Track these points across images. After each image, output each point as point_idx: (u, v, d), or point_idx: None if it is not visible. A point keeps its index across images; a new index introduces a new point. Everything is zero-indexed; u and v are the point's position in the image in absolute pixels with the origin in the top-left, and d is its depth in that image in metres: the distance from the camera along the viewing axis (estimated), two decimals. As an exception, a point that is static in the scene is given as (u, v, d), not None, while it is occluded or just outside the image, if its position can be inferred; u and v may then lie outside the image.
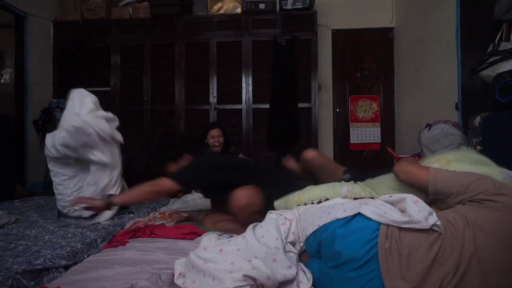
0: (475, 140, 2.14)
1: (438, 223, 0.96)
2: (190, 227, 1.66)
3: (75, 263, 1.36)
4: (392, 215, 0.99)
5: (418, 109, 3.78)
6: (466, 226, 0.95)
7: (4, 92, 4.59)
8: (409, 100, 4.10)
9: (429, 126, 2.78)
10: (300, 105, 4.01)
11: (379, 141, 4.54)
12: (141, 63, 4.26)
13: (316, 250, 1.12)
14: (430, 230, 0.96)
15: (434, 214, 0.99)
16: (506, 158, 1.61)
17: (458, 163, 1.27)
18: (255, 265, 0.99)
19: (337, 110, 4.67)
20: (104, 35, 4.30)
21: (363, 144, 4.54)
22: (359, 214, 1.03)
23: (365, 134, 4.58)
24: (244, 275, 0.95)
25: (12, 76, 4.34)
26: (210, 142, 2.85)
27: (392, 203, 1.09)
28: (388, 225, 0.99)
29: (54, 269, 1.27)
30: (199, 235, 1.58)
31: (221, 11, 4.22)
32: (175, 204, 2.37)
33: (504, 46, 2.01)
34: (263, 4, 4.10)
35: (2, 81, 5.17)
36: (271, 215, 1.27)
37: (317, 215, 1.15)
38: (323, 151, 4.39)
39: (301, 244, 1.20)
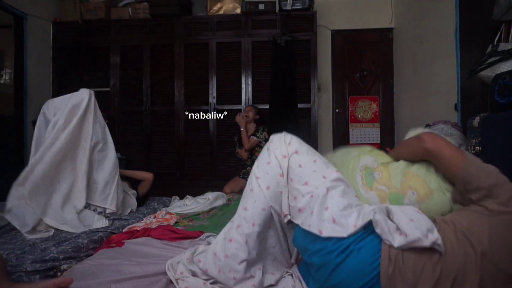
0: (474, 140, 2.14)
1: (439, 241, 0.86)
2: (182, 231, 1.65)
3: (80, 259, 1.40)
4: (392, 236, 0.89)
5: (418, 110, 3.79)
6: (469, 246, 0.86)
7: (3, 92, 4.58)
8: (409, 101, 4.10)
9: (428, 126, 2.79)
10: (299, 105, 4.01)
11: (379, 141, 4.54)
12: (141, 63, 4.26)
13: (306, 264, 1.04)
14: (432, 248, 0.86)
15: (435, 230, 0.88)
16: (505, 159, 1.62)
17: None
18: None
19: (337, 110, 4.68)
20: (103, 36, 4.30)
21: (362, 145, 4.54)
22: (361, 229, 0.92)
23: (365, 134, 4.58)
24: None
25: (11, 76, 4.33)
26: (238, 115, 3.42)
27: (390, 213, 0.97)
28: (390, 245, 0.89)
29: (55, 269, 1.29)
30: (193, 238, 1.58)
31: (221, 12, 4.22)
32: (174, 207, 2.36)
33: (503, 46, 2.01)
34: (263, 5, 4.10)
35: (2, 81, 5.16)
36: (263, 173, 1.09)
37: (319, 213, 0.97)
38: (322, 151, 4.37)
39: (287, 218, 1.05)
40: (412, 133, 1.20)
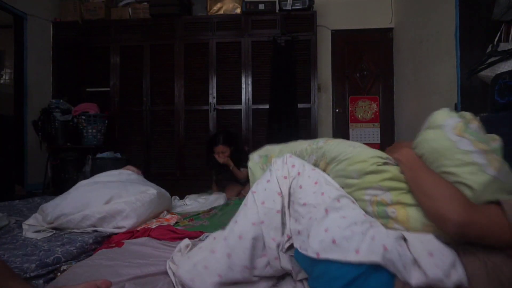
0: (474, 140, 2.14)
1: (464, 279, 0.76)
2: (182, 231, 1.65)
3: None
4: (409, 273, 0.78)
5: (418, 110, 3.79)
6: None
7: (3, 92, 4.58)
8: (409, 101, 4.10)
9: (428, 126, 2.78)
10: (299, 105, 4.01)
11: (379, 141, 4.54)
12: (141, 63, 4.25)
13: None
14: None
15: (458, 265, 0.77)
16: (505, 159, 1.61)
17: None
18: None
19: (337, 110, 4.68)
20: (103, 36, 4.30)
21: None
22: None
23: (365, 134, 4.58)
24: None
25: (11, 76, 4.34)
26: (215, 157, 2.97)
27: (407, 242, 0.85)
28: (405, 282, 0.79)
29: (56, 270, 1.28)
30: (193, 238, 1.57)
31: (221, 12, 4.22)
32: (174, 207, 2.36)
33: (503, 46, 2.01)
34: (263, 5, 4.10)
35: (2, 81, 5.17)
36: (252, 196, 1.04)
37: (317, 234, 0.89)
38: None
39: (290, 241, 0.98)
40: (446, 145, 0.90)
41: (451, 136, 0.89)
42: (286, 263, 0.97)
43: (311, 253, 0.88)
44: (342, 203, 0.95)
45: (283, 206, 1.00)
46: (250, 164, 1.37)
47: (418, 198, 0.88)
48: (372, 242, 0.83)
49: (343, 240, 0.85)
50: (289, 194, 1.01)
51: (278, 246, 0.98)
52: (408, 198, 0.91)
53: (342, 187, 1.02)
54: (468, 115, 0.93)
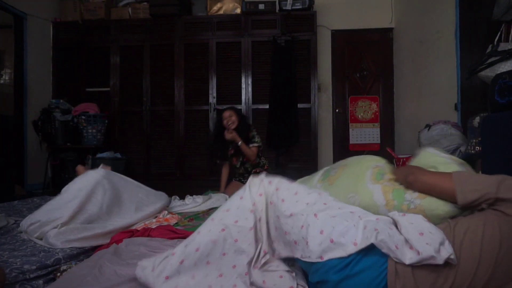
0: (474, 140, 2.14)
1: (452, 256, 0.82)
2: (182, 231, 1.65)
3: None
4: (402, 253, 0.85)
5: (418, 110, 3.78)
6: (482, 253, 0.84)
7: (3, 92, 4.57)
8: (409, 101, 4.10)
9: (428, 126, 2.79)
10: (299, 105, 4.01)
11: (379, 141, 4.54)
12: (141, 63, 4.25)
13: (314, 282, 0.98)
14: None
15: (446, 242, 0.85)
16: (505, 159, 1.62)
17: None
18: None
19: (337, 110, 4.68)
20: (103, 36, 4.30)
21: (362, 145, 4.54)
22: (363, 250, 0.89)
23: (365, 134, 4.58)
24: None
25: (11, 76, 4.32)
26: (224, 124, 2.94)
27: (398, 225, 0.94)
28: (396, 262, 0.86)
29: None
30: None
31: (221, 12, 4.22)
32: (174, 207, 2.37)
33: (503, 46, 2.01)
34: (263, 5, 4.10)
35: (2, 81, 5.16)
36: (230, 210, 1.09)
37: (314, 238, 0.95)
38: (322, 151, 4.40)
39: (266, 257, 1.04)
40: (424, 155, 1.31)
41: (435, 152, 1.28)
42: (257, 277, 1.00)
43: (315, 259, 0.93)
44: (328, 205, 1.04)
45: (255, 223, 1.04)
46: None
47: (398, 172, 1.19)
48: (365, 230, 0.92)
49: (339, 237, 0.92)
50: (267, 210, 1.06)
51: (250, 262, 1.00)
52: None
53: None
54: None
